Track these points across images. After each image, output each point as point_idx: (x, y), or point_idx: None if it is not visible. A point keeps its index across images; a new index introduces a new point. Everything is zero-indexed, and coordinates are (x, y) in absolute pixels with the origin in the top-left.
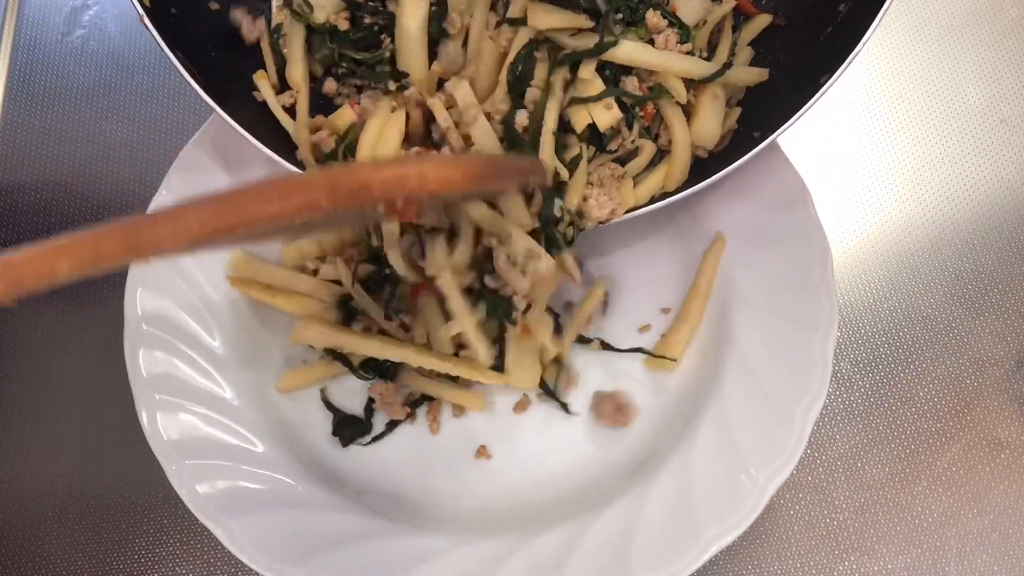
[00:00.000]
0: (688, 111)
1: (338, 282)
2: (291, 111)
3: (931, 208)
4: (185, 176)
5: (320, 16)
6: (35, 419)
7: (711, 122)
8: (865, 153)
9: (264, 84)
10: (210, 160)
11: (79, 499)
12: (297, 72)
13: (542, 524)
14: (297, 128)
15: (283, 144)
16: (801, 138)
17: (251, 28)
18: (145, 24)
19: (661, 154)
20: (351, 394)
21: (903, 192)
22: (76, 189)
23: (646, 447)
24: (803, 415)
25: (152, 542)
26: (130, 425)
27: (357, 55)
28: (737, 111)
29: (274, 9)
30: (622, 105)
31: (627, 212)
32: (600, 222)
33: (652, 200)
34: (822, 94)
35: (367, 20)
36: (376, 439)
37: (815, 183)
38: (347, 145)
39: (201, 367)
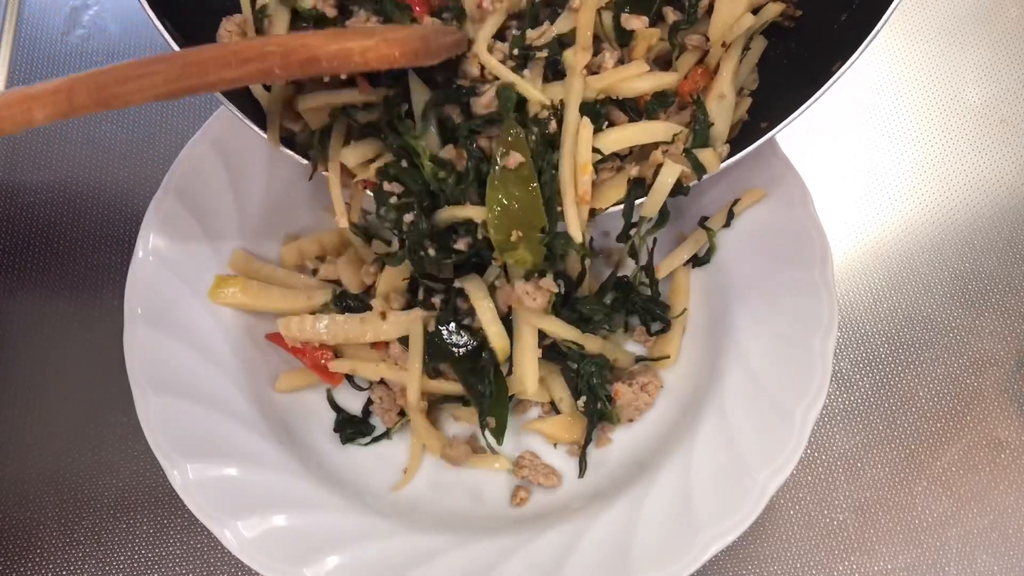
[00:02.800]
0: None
1: (337, 282)
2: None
3: (931, 208)
4: (186, 175)
5: (307, 1)
6: (35, 419)
7: (718, 124)
8: (865, 153)
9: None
10: (210, 160)
11: (79, 499)
12: None
13: (542, 524)
14: (269, 103)
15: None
16: (802, 139)
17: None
18: None
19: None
20: (356, 395)
21: (903, 192)
22: (76, 189)
23: (646, 447)
24: (803, 415)
25: (152, 542)
26: (130, 425)
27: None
28: (748, 101)
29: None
30: (623, 108)
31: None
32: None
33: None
34: (834, 82)
35: (356, 10)
36: (376, 440)
37: (815, 183)
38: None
39: (201, 367)
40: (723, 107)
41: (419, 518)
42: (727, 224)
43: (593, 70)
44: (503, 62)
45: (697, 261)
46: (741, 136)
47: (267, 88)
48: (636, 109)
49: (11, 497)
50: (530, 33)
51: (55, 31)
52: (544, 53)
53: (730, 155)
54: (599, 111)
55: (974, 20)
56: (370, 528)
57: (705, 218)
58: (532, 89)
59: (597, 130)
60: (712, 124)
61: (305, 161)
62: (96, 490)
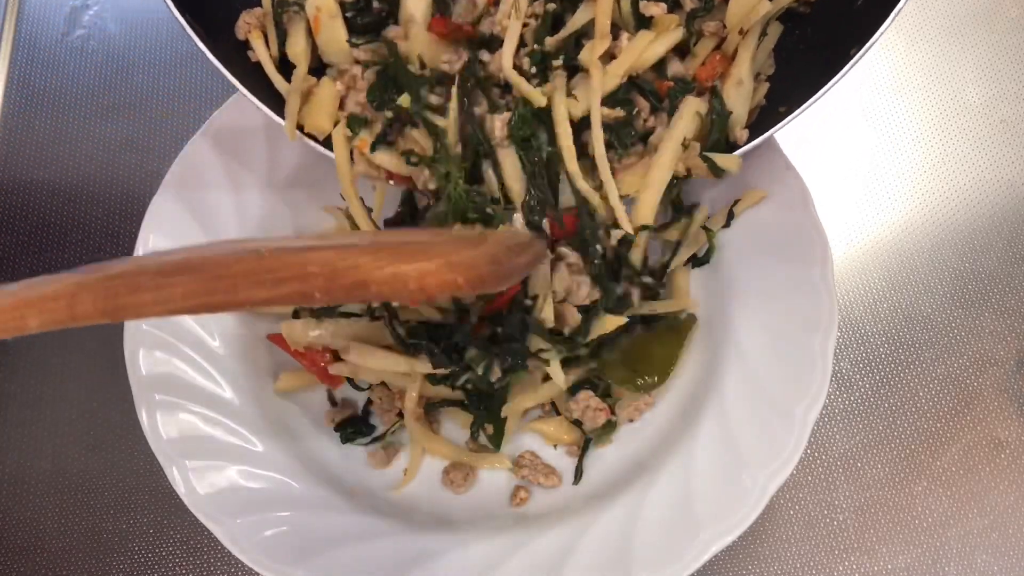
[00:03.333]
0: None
1: None
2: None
3: (931, 208)
4: (186, 174)
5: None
6: (35, 419)
7: (736, 108)
8: (865, 154)
9: (259, 44)
10: (210, 159)
11: (79, 499)
12: (298, 46)
13: (542, 524)
14: (288, 95)
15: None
16: (802, 140)
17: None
18: None
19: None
20: (357, 394)
21: (903, 192)
22: (76, 189)
23: (646, 447)
24: (803, 415)
25: (152, 542)
26: (130, 425)
27: (359, 40)
28: (765, 86)
29: None
30: (643, 94)
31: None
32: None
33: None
34: (852, 66)
35: (375, 5)
36: (375, 440)
37: (815, 184)
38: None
39: (201, 367)
40: (741, 93)
41: (419, 518)
42: (727, 224)
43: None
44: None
45: (697, 261)
46: (759, 121)
47: (287, 77)
48: (658, 95)
49: (11, 497)
50: (548, 40)
51: (55, 31)
52: (560, 61)
53: (749, 140)
54: (625, 98)
55: (974, 20)
56: (370, 528)
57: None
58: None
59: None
60: (730, 113)
61: (329, 152)
62: (96, 490)
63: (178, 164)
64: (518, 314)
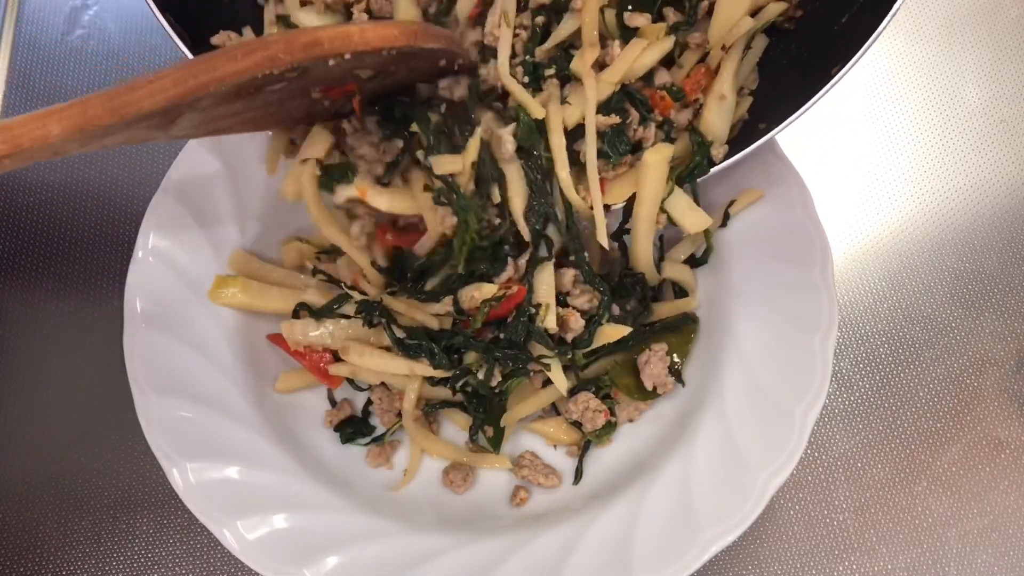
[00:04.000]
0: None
1: (337, 282)
2: None
3: (931, 208)
4: (185, 176)
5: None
6: (35, 419)
7: (717, 124)
8: (865, 154)
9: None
10: (210, 160)
11: (79, 499)
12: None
13: (542, 524)
14: (273, 138)
15: None
16: (802, 139)
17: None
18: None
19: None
20: (357, 394)
21: (903, 192)
22: (76, 188)
23: (646, 447)
24: (803, 415)
25: (152, 542)
26: (130, 425)
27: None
28: (748, 100)
29: (266, 23)
30: (634, 104)
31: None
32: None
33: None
34: (832, 85)
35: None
36: (376, 440)
37: (815, 184)
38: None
39: (201, 367)
40: (723, 108)
41: (419, 518)
42: (723, 224)
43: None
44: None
45: (695, 262)
46: (741, 136)
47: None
48: (647, 105)
49: (11, 497)
50: (539, 50)
51: (55, 31)
52: (552, 70)
53: (729, 155)
54: (618, 107)
55: (974, 20)
56: (370, 528)
57: None
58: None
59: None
60: (711, 143)
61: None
62: (96, 490)
63: (177, 165)
64: (522, 320)
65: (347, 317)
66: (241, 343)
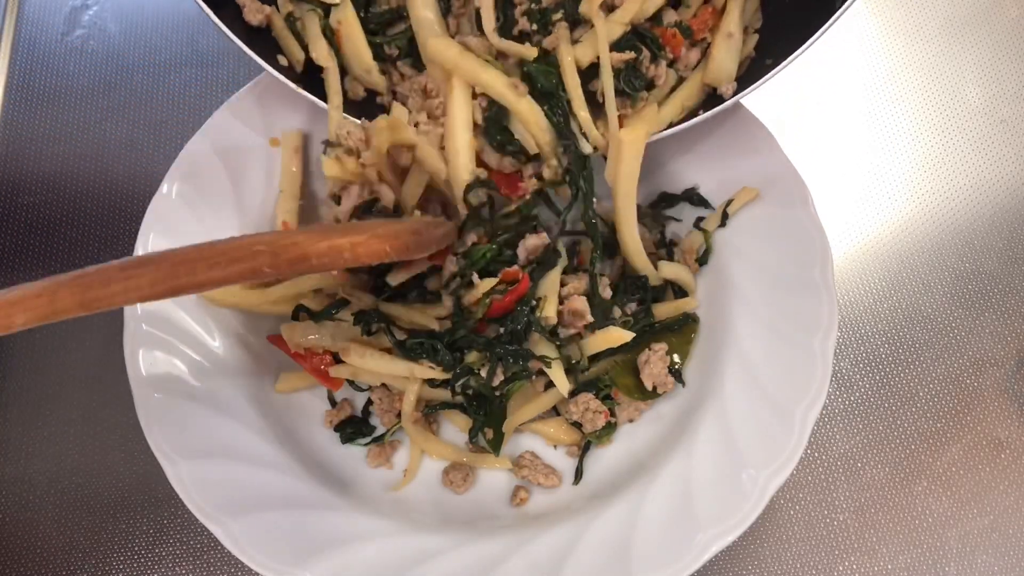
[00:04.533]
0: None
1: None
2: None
3: (931, 208)
4: (186, 174)
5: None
6: (35, 419)
7: (726, 61)
8: (865, 153)
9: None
10: (211, 159)
11: (79, 499)
12: (322, 49)
13: (542, 524)
14: (330, 111)
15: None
16: (801, 138)
17: (254, 10)
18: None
19: (680, 80)
20: (357, 394)
21: (903, 192)
22: (76, 189)
23: (646, 447)
24: (803, 415)
25: (152, 542)
26: (130, 425)
27: (375, 39)
28: (754, 38)
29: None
30: (644, 43)
31: (651, 136)
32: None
33: (671, 125)
34: (838, 17)
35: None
36: (376, 440)
37: (815, 184)
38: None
39: (201, 368)
40: (731, 45)
41: (419, 518)
42: (722, 224)
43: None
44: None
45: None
46: (748, 73)
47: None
48: (658, 43)
49: (11, 497)
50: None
51: (55, 31)
52: (560, 15)
53: (737, 92)
54: (629, 45)
55: (974, 20)
56: (370, 528)
57: (700, 218)
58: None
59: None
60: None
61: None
62: (96, 490)
63: (178, 164)
64: (524, 310)
65: (345, 321)
66: (241, 344)
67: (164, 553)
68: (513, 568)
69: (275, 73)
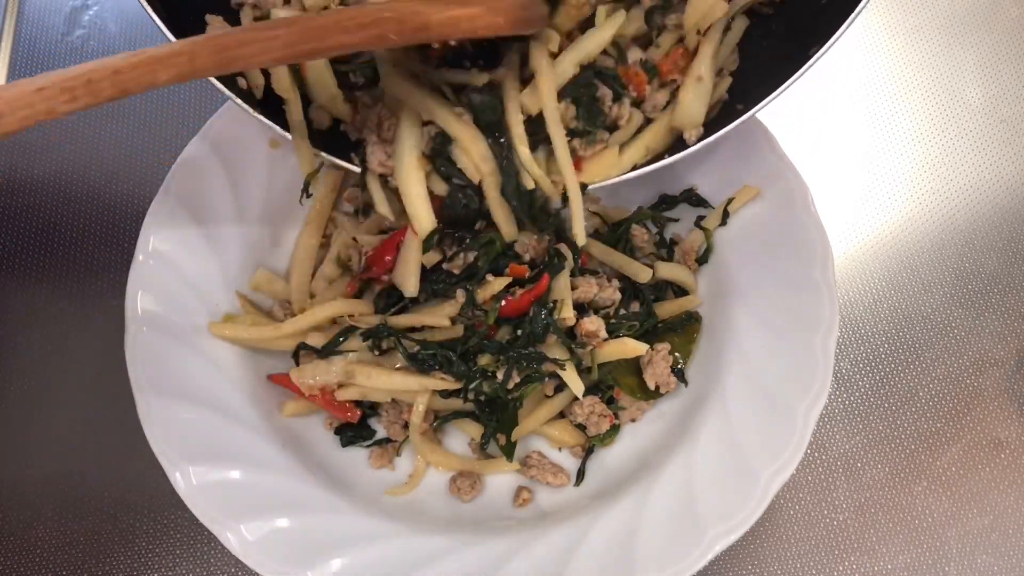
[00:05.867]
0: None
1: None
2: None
3: (931, 208)
4: (186, 176)
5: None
6: (35, 419)
7: (694, 105)
8: (865, 153)
9: (292, 107)
10: (211, 160)
11: (79, 499)
12: (284, 80)
13: (545, 524)
14: (296, 144)
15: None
16: (801, 137)
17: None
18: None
19: (647, 121)
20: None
21: (903, 192)
22: (76, 188)
23: (649, 446)
24: (805, 413)
25: (152, 542)
26: (130, 425)
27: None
28: (728, 81)
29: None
30: (605, 82)
31: (611, 179)
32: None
33: (635, 167)
34: (810, 66)
35: None
36: (378, 443)
37: (815, 183)
38: None
39: (202, 369)
40: (700, 90)
41: (421, 520)
42: (723, 223)
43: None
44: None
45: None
46: (720, 116)
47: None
48: (620, 82)
49: (11, 497)
50: None
51: (55, 31)
52: (513, 48)
53: (704, 136)
54: (586, 84)
55: (974, 20)
56: (373, 530)
57: (701, 218)
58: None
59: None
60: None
61: (348, 165)
62: (96, 491)
63: (178, 165)
64: (541, 314)
65: (352, 351)
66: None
67: (164, 553)
68: (517, 568)
69: (235, 99)
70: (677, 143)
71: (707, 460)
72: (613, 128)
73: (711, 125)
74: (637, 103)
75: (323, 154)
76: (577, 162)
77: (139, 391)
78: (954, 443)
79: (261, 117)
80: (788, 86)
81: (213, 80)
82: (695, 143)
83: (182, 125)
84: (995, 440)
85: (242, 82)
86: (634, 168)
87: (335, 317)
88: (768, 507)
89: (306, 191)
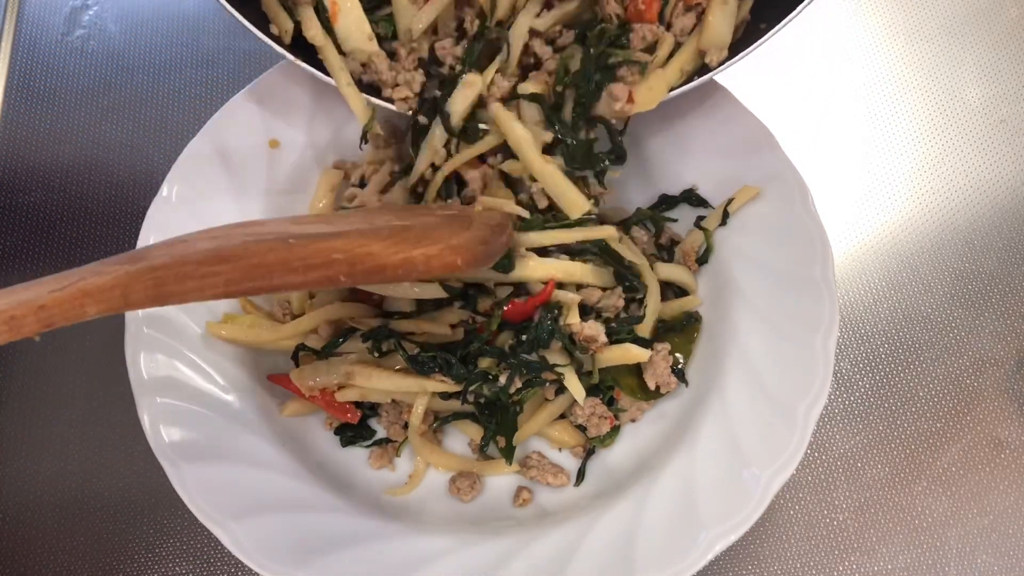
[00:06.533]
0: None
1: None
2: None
3: (931, 208)
4: (186, 176)
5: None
6: (36, 419)
7: (722, 26)
8: (865, 153)
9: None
10: (211, 160)
11: (79, 499)
12: (315, 27)
13: (545, 524)
14: (344, 91)
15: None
16: (801, 137)
17: None
18: None
19: (678, 46)
20: None
21: (903, 192)
22: (76, 189)
23: (649, 446)
24: (806, 413)
25: (152, 542)
26: (130, 425)
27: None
28: (749, 1)
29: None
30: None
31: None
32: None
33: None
34: None
35: None
36: (377, 443)
37: (815, 183)
38: None
39: (202, 370)
40: (727, 11)
41: (421, 520)
42: (723, 223)
43: None
44: None
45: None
46: (743, 38)
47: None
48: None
49: (11, 497)
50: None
51: (55, 31)
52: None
53: (728, 59)
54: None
55: (974, 20)
56: (372, 529)
57: (701, 218)
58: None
59: None
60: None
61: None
62: (96, 490)
63: (178, 165)
64: (547, 320)
65: (350, 353)
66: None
67: (164, 553)
68: (516, 569)
69: (272, 44)
70: (704, 67)
71: (707, 460)
72: (650, 51)
73: (735, 47)
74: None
75: (374, 100)
76: (630, 93)
77: (138, 389)
78: (954, 443)
79: (303, 63)
80: (808, 4)
81: (243, 21)
82: (717, 65)
83: (182, 124)
84: (995, 440)
85: (274, 29)
86: (671, 90)
87: (335, 319)
88: (768, 507)
89: (365, 139)
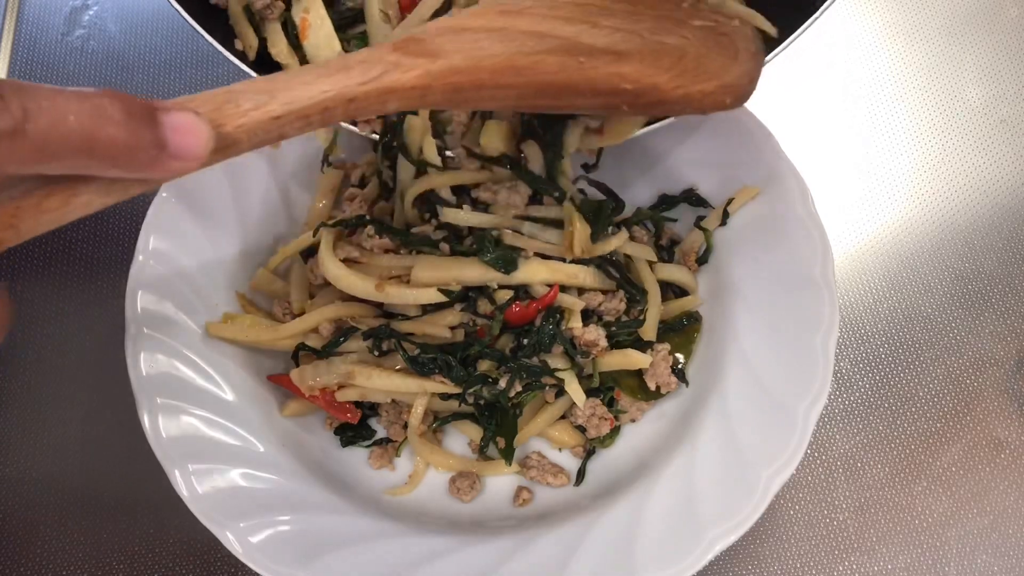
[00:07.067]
0: None
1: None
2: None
3: (931, 208)
4: (186, 176)
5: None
6: (35, 419)
7: None
8: (865, 152)
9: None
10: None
11: (79, 499)
12: (282, 45)
13: (545, 524)
14: None
15: None
16: (801, 137)
17: None
18: None
19: None
20: None
21: (903, 192)
22: None
23: (649, 446)
24: (806, 413)
25: (152, 542)
26: (130, 425)
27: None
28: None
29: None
30: None
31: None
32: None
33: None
34: (815, 20)
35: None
36: (377, 443)
37: (815, 183)
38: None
39: (202, 370)
40: None
41: (422, 519)
42: (723, 223)
43: None
44: None
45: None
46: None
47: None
48: None
49: (11, 497)
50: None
51: (55, 31)
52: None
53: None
54: None
55: (974, 20)
56: (372, 530)
57: (701, 218)
58: None
59: None
60: None
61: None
62: (96, 491)
63: None
64: (550, 324)
65: (351, 352)
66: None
67: (164, 553)
68: (517, 568)
69: (232, 57)
70: None
71: (707, 460)
72: None
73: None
74: None
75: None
76: (598, 128)
77: (139, 391)
78: (954, 443)
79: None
80: (796, 37)
81: (207, 36)
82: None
83: None
84: (995, 440)
85: (239, 44)
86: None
87: (335, 318)
88: (768, 507)
89: (326, 161)
